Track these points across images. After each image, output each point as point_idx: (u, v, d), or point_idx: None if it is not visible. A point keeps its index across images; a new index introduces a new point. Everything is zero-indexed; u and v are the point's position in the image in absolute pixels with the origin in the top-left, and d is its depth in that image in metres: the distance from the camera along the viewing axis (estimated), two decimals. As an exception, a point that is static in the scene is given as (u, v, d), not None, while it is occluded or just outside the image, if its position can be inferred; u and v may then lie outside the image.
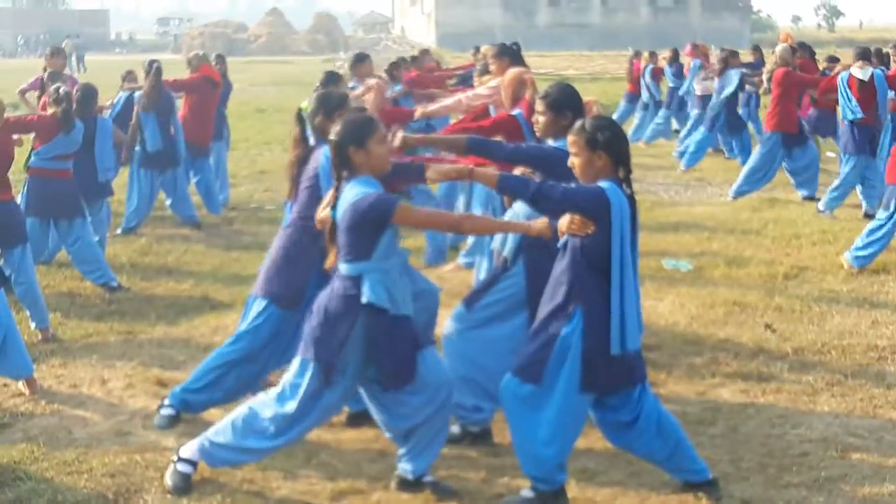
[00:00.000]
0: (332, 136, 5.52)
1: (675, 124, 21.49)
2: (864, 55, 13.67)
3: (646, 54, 22.09)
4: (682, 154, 18.61)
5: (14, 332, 7.26)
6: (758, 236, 12.40)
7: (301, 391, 5.51)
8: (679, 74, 20.77)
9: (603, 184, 5.36)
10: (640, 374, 5.57)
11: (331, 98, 6.60)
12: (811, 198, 14.61)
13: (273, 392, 5.65)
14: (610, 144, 5.39)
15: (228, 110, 15.92)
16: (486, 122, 7.83)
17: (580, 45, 61.69)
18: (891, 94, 13.13)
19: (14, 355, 7.22)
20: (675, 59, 21.15)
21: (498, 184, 5.56)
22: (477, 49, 18.78)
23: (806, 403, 7.11)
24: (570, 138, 5.47)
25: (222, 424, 5.73)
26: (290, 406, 5.53)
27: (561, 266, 5.48)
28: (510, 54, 9.26)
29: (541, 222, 5.55)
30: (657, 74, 21.37)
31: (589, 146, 5.39)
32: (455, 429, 6.46)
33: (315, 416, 5.60)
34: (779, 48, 15.08)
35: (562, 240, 5.51)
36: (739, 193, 14.83)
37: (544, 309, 5.51)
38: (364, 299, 5.39)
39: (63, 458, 6.18)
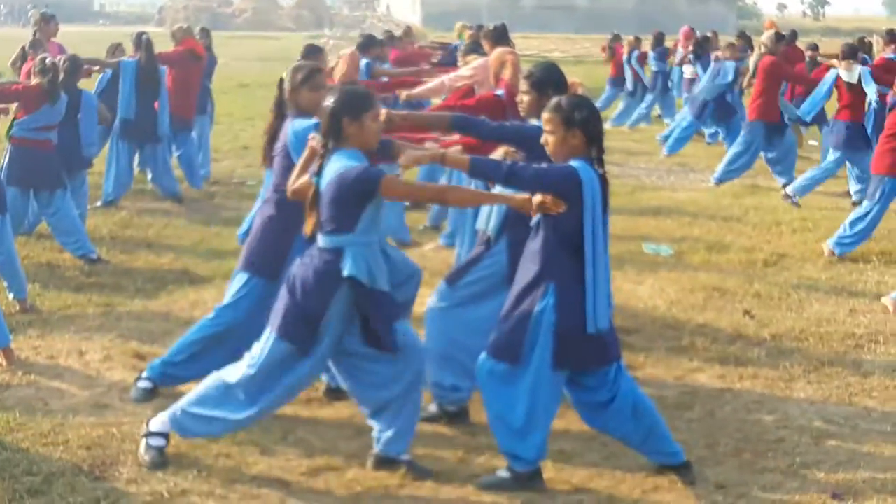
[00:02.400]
0: (327, 104, 5.49)
1: (656, 109, 21.52)
2: (851, 53, 13.60)
3: (630, 38, 22.11)
4: (665, 138, 18.60)
5: (-8, 302, 7.24)
6: (739, 223, 12.43)
7: (269, 360, 5.51)
8: (663, 58, 20.77)
9: (574, 163, 5.37)
10: (615, 352, 5.59)
11: (299, 69, 6.60)
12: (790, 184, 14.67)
13: (244, 361, 5.64)
14: (586, 123, 5.40)
15: (213, 85, 15.85)
16: (471, 101, 7.83)
17: (566, 28, 61.62)
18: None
19: (-9, 325, 7.20)
20: (659, 43, 21.14)
21: (470, 168, 5.55)
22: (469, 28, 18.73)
23: (782, 390, 7.14)
24: (546, 115, 5.47)
25: (194, 394, 5.73)
26: (259, 375, 5.53)
27: (534, 245, 5.50)
28: (494, 35, 9.25)
29: (522, 196, 5.54)
30: (643, 59, 21.37)
31: (565, 124, 5.40)
32: (432, 407, 6.48)
33: (285, 386, 5.59)
34: (765, 36, 15.05)
35: (534, 219, 5.52)
36: (721, 180, 14.87)
37: (516, 288, 5.54)
38: (345, 273, 5.39)
39: (39, 430, 6.16)
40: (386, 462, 5.72)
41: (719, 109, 17.15)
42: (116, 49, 14.09)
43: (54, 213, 9.88)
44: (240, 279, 6.60)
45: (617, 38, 22.97)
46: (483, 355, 5.59)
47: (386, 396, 5.65)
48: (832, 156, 13.36)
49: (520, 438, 5.50)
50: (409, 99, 10.64)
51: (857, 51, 13.77)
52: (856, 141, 12.98)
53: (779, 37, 15.13)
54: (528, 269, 5.51)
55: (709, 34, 20.13)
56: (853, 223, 10.58)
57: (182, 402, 5.74)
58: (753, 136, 14.45)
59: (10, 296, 8.49)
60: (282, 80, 6.63)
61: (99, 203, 12.44)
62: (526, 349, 5.41)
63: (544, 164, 5.46)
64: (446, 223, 10.77)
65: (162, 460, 5.72)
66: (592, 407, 5.65)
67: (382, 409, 5.70)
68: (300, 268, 5.54)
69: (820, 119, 15.69)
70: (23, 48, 12.64)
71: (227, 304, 6.62)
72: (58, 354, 7.55)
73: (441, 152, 5.70)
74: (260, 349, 5.57)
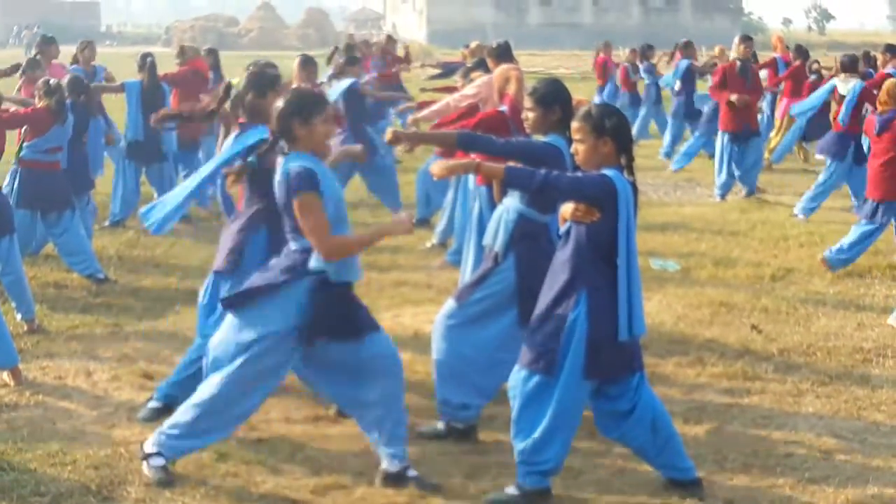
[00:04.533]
0: (278, 106, 5.56)
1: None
2: (850, 66, 13.62)
3: (624, 52, 22.34)
4: (667, 154, 18.76)
5: (0, 322, 7.25)
6: (745, 237, 12.42)
7: (237, 350, 5.60)
8: (652, 71, 20.87)
9: (607, 171, 5.37)
10: (639, 362, 5.60)
11: (263, 76, 6.64)
12: (751, 194, 14.93)
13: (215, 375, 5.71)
14: (616, 131, 5.41)
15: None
16: (473, 120, 7.84)
17: (571, 45, 61.65)
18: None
19: (0, 346, 7.21)
20: (646, 57, 21.22)
21: (505, 177, 5.55)
22: (467, 46, 18.87)
23: (791, 404, 7.12)
24: (575, 124, 5.48)
25: (176, 416, 5.79)
26: (231, 369, 5.60)
27: (564, 253, 5.49)
28: (497, 53, 9.27)
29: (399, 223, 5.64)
30: (624, 72, 21.67)
31: (595, 132, 5.40)
32: (440, 425, 6.47)
33: (259, 381, 5.64)
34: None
35: (564, 227, 5.52)
36: (723, 195, 14.95)
37: (546, 297, 5.52)
38: (311, 265, 5.49)
39: (47, 450, 6.15)
40: (393, 478, 5.71)
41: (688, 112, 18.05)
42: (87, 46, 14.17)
43: (62, 233, 9.90)
44: (207, 281, 6.74)
45: (606, 47, 23.20)
46: (517, 367, 5.57)
47: (361, 397, 5.71)
48: (827, 171, 13.34)
49: (540, 448, 5.48)
50: (416, 122, 10.67)
51: (856, 63, 13.81)
52: (842, 151, 12.97)
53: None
54: (557, 277, 5.49)
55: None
56: (855, 240, 10.49)
57: (165, 426, 5.79)
58: (721, 147, 14.66)
59: (18, 316, 8.50)
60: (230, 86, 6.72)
61: (106, 223, 12.47)
62: (559, 358, 5.41)
63: (579, 174, 5.47)
64: (452, 240, 10.77)
65: (168, 478, 5.72)
66: (612, 416, 5.64)
67: (359, 407, 5.76)
68: (272, 262, 5.72)
69: (823, 133, 15.69)
70: (16, 66, 12.78)
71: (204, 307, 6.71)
72: (65, 375, 7.56)
73: (476, 162, 5.70)
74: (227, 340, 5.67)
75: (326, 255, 5.42)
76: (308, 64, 11.93)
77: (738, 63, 14.81)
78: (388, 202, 13.11)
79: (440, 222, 11.55)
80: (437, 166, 5.64)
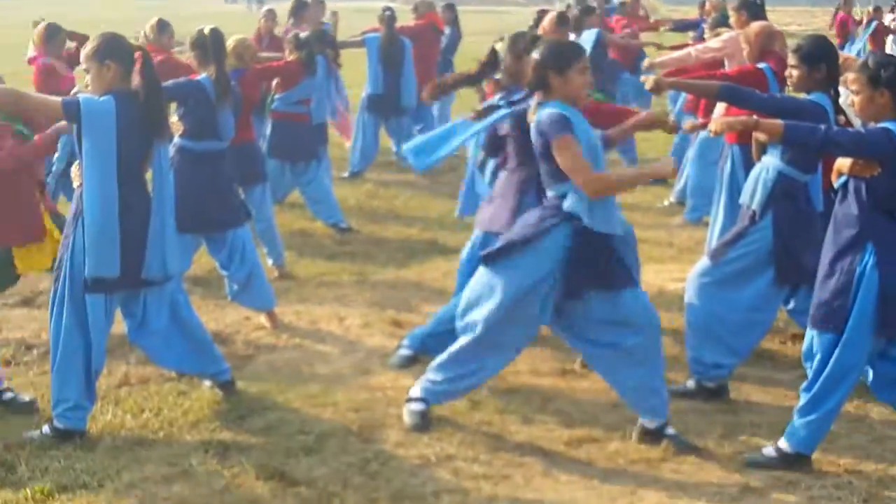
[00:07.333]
0: (534, 56, 5.56)
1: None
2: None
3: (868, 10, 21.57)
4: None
5: (259, 267, 7.58)
6: None
7: (492, 303, 5.60)
8: None
9: (889, 125, 5.19)
10: None
11: (519, 39, 6.63)
12: None
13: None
14: (893, 82, 5.21)
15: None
16: (732, 72, 7.71)
17: (803, 1, 59.82)
18: None
19: (259, 289, 7.55)
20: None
21: (784, 132, 5.39)
22: (703, 3, 18.53)
23: None
24: (852, 76, 5.31)
25: (438, 362, 5.87)
26: (486, 322, 5.62)
27: (844, 208, 5.28)
28: (750, 8, 9.07)
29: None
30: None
31: (871, 83, 5.21)
32: (690, 383, 6.42)
33: (511, 325, 5.65)
34: None
35: (839, 181, 5.35)
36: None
37: (829, 252, 5.34)
38: (565, 207, 5.46)
39: (307, 392, 6.40)
40: (649, 434, 5.70)
41: None
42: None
43: (309, 182, 10.21)
44: (474, 237, 6.79)
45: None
46: (809, 328, 5.41)
47: (616, 351, 5.62)
48: None
49: (809, 411, 5.37)
50: (652, 67, 10.54)
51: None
52: None
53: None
54: (841, 232, 5.29)
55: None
56: None
57: (429, 372, 5.90)
58: None
59: (269, 262, 8.80)
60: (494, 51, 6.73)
61: (345, 174, 12.78)
62: (848, 315, 5.22)
63: (861, 128, 5.33)
64: (689, 199, 10.67)
65: (425, 424, 5.87)
66: (893, 380, 5.43)
67: (610, 361, 5.69)
68: (527, 216, 5.74)
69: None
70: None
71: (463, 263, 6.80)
72: (318, 320, 7.80)
73: (754, 119, 5.55)
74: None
75: (592, 191, 5.33)
76: (563, 22, 11.69)
77: None
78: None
79: (678, 181, 11.39)
80: (716, 123, 5.52)
